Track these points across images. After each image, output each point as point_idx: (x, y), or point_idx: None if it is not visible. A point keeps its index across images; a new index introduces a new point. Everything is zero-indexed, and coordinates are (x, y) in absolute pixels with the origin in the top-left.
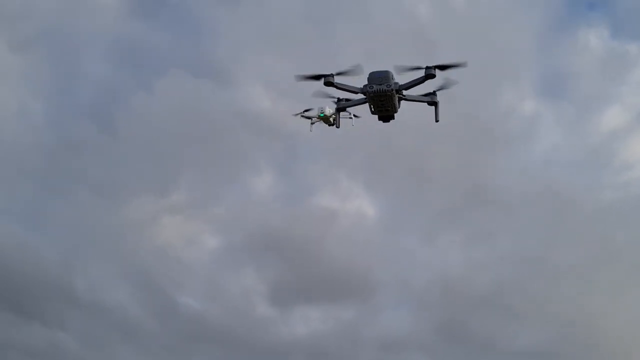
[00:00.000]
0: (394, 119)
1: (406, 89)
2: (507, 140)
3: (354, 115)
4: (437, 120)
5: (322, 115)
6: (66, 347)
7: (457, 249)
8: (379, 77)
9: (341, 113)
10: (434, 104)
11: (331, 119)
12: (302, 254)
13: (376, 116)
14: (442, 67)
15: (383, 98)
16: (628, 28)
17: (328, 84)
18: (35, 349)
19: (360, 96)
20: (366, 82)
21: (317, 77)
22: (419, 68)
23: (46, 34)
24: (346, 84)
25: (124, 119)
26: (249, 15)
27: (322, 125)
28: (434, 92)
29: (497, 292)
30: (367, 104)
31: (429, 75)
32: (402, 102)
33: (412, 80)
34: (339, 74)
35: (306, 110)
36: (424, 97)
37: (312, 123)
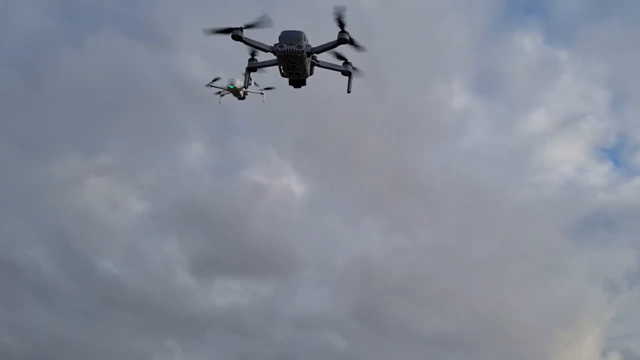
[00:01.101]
0: (305, 84)
1: (318, 52)
2: (436, 133)
3: (266, 89)
4: (348, 91)
5: (231, 87)
6: None
7: (378, 234)
8: (290, 37)
9: (251, 87)
10: (348, 73)
11: (241, 92)
12: (226, 226)
13: (287, 81)
14: (352, 42)
15: (293, 59)
16: (561, 35)
17: (236, 37)
18: None
19: (272, 57)
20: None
21: (226, 31)
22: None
23: None
24: (256, 40)
25: (53, 73)
26: None
27: (232, 97)
28: (347, 61)
29: (412, 279)
30: (277, 65)
31: (342, 39)
32: (316, 68)
33: (324, 44)
34: (247, 26)
35: (215, 80)
36: (337, 65)
37: (221, 95)
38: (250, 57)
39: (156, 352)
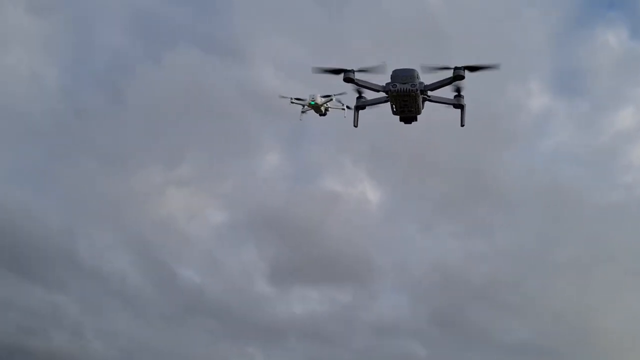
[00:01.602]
0: (416, 120)
1: (432, 89)
2: (514, 134)
3: (347, 107)
4: (462, 125)
5: (312, 103)
6: (66, 310)
7: (456, 239)
8: (403, 76)
9: (332, 103)
10: (460, 106)
11: (322, 109)
12: (303, 234)
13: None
14: (473, 68)
15: (407, 98)
16: None
17: (348, 80)
18: (36, 310)
19: (383, 95)
20: (389, 80)
21: (336, 72)
22: (446, 68)
23: (65, 0)
24: (367, 81)
25: (132, 89)
26: None
27: (313, 113)
28: (460, 94)
29: (493, 285)
30: (389, 103)
31: (458, 76)
32: (426, 102)
33: (439, 81)
34: (360, 70)
35: (297, 99)
36: (449, 99)
37: (302, 111)
38: (358, 95)
39: (237, 357)
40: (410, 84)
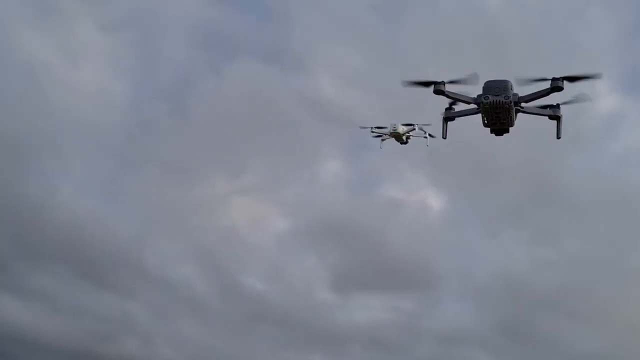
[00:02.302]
0: (508, 132)
1: (527, 101)
2: (581, 137)
3: (430, 135)
4: (558, 137)
5: (394, 131)
6: (136, 317)
7: (521, 246)
8: (496, 88)
9: (414, 132)
10: (557, 118)
11: (404, 137)
12: (364, 241)
13: (488, 129)
14: (572, 79)
15: (499, 110)
16: None
17: (438, 92)
18: (108, 316)
19: (473, 106)
20: (480, 92)
21: (426, 84)
22: (543, 79)
23: (133, 17)
24: (458, 92)
25: (196, 101)
26: (320, 4)
27: (393, 141)
28: (557, 105)
29: (562, 293)
30: (480, 115)
31: (556, 87)
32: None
33: (535, 92)
34: (451, 82)
35: (378, 128)
36: (544, 109)
37: (382, 139)
38: (447, 106)
39: None
40: (503, 95)
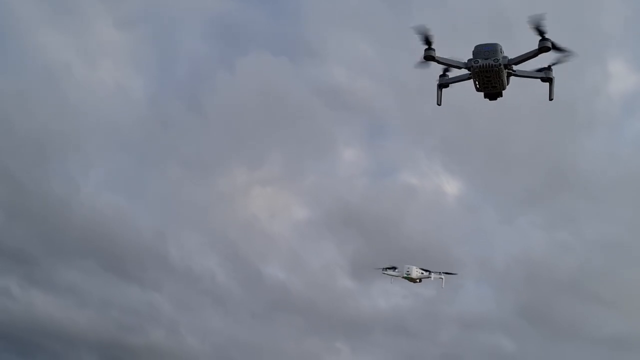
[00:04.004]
0: (501, 96)
1: (516, 63)
2: (596, 120)
3: (447, 273)
4: (551, 99)
5: (406, 276)
6: (161, 308)
7: (538, 231)
8: (486, 51)
9: (425, 273)
10: (549, 80)
11: (417, 280)
12: (383, 229)
13: (481, 94)
14: (555, 46)
15: (490, 74)
16: None
17: (429, 58)
18: (134, 308)
19: (465, 71)
20: (471, 56)
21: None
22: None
23: (149, 13)
24: (449, 58)
25: (212, 96)
26: None
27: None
28: (549, 66)
29: (582, 277)
30: (472, 80)
31: (543, 48)
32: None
33: (524, 54)
34: (427, 44)
35: (391, 269)
36: (537, 72)
37: (392, 281)
38: (441, 73)
39: (326, 352)
40: (493, 58)
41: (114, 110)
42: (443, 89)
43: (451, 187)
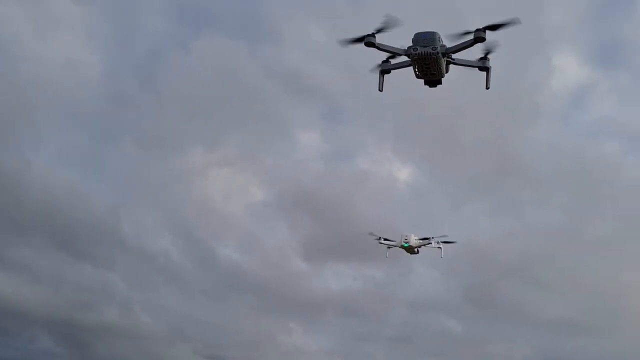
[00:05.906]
0: (441, 83)
1: (454, 52)
2: (540, 112)
3: (446, 241)
4: (487, 87)
5: (405, 245)
6: (114, 287)
7: (484, 217)
8: (424, 39)
9: (425, 241)
10: (486, 69)
11: (415, 249)
12: (336, 212)
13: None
14: (493, 27)
15: (428, 61)
16: None
17: (369, 44)
18: (88, 286)
19: (405, 58)
20: (411, 44)
21: (359, 40)
22: (467, 32)
23: None
24: (388, 44)
25: (169, 75)
26: None
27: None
28: (486, 56)
29: (525, 261)
30: (412, 67)
31: (479, 38)
32: (451, 66)
33: (460, 43)
34: (378, 31)
35: (387, 239)
36: (474, 61)
37: (388, 247)
38: (384, 59)
39: (279, 331)
40: (431, 47)
41: (67, 85)
42: (385, 75)
43: (402, 173)
